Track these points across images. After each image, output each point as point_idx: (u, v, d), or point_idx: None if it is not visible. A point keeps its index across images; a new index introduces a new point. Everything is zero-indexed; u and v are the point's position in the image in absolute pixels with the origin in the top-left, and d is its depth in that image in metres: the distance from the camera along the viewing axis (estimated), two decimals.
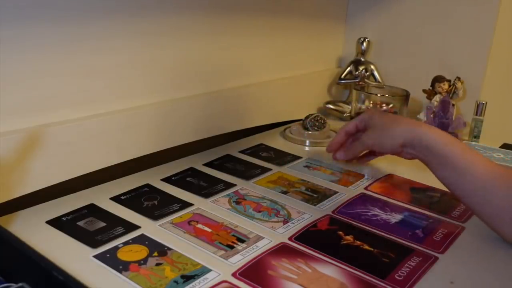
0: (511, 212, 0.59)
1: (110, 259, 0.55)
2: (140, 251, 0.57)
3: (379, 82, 1.14)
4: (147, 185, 0.74)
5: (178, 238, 0.61)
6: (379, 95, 0.99)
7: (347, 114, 1.11)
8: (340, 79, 1.16)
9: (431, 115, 0.97)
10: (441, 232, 0.65)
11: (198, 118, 0.85)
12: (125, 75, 0.74)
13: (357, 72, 1.14)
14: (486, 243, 0.63)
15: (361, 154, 0.80)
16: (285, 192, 0.75)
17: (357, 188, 0.78)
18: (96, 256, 0.56)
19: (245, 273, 0.54)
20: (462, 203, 0.69)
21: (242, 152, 0.91)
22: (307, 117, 1.01)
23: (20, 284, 0.49)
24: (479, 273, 0.57)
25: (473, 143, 0.99)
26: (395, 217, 0.68)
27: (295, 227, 0.64)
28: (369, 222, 0.67)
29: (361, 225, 0.66)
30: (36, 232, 0.60)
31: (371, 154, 0.82)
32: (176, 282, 0.52)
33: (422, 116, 1.02)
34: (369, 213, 0.69)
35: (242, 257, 0.57)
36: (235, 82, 0.94)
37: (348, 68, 1.15)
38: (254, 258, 0.57)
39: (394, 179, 0.82)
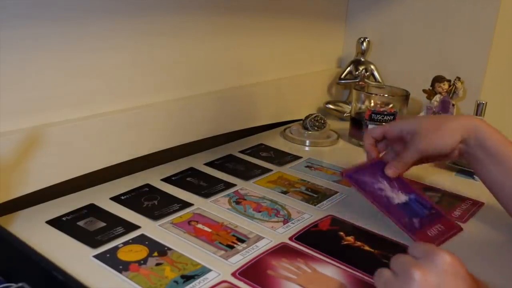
0: None
1: (110, 259, 0.55)
2: (140, 251, 0.57)
3: (379, 82, 1.14)
4: (147, 185, 0.74)
5: (178, 238, 0.61)
6: (379, 95, 0.99)
7: (347, 114, 1.11)
8: (340, 79, 1.16)
9: None
10: (438, 227, 0.64)
11: (198, 118, 0.85)
12: (125, 75, 0.74)
13: (357, 72, 1.14)
14: (487, 242, 0.64)
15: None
16: (285, 192, 0.75)
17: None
18: (96, 256, 0.56)
19: (245, 273, 0.54)
20: (506, 209, 0.65)
21: (242, 152, 0.91)
22: (307, 117, 1.01)
23: (20, 284, 0.49)
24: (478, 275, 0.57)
25: None
26: (399, 198, 0.66)
27: (295, 227, 0.64)
28: (372, 197, 0.65)
29: (362, 227, 0.66)
30: (36, 232, 0.60)
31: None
32: (176, 282, 0.52)
33: None
34: (375, 186, 0.67)
35: (242, 257, 0.57)
36: (235, 82, 0.94)
37: (348, 68, 1.15)
38: (254, 258, 0.57)
39: None
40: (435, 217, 0.66)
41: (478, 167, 0.66)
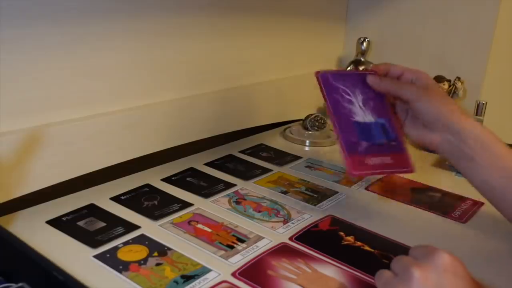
0: None
1: (110, 259, 0.55)
2: (140, 251, 0.57)
3: None
4: (147, 185, 0.74)
5: (178, 238, 0.61)
6: None
7: None
8: None
9: None
10: (385, 159, 0.61)
11: (198, 118, 0.85)
12: (125, 75, 0.74)
13: None
14: (487, 242, 0.63)
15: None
16: (285, 192, 0.75)
17: (359, 188, 0.78)
18: (96, 256, 0.56)
19: (245, 273, 0.54)
20: (501, 212, 0.63)
21: (242, 152, 0.91)
22: (307, 117, 1.01)
23: (20, 284, 0.49)
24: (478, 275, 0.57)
25: None
26: (365, 117, 0.62)
27: (295, 227, 0.64)
28: (335, 109, 0.61)
29: (362, 227, 0.66)
30: (36, 232, 0.60)
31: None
32: (176, 282, 0.52)
33: None
34: (346, 96, 0.62)
35: (242, 257, 0.57)
36: (235, 82, 0.94)
37: (348, 68, 1.15)
38: (254, 258, 0.57)
39: (394, 179, 0.82)
40: (391, 149, 0.61)
41: (466, 163, 0.61)
